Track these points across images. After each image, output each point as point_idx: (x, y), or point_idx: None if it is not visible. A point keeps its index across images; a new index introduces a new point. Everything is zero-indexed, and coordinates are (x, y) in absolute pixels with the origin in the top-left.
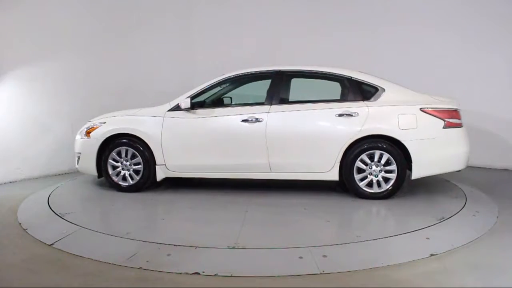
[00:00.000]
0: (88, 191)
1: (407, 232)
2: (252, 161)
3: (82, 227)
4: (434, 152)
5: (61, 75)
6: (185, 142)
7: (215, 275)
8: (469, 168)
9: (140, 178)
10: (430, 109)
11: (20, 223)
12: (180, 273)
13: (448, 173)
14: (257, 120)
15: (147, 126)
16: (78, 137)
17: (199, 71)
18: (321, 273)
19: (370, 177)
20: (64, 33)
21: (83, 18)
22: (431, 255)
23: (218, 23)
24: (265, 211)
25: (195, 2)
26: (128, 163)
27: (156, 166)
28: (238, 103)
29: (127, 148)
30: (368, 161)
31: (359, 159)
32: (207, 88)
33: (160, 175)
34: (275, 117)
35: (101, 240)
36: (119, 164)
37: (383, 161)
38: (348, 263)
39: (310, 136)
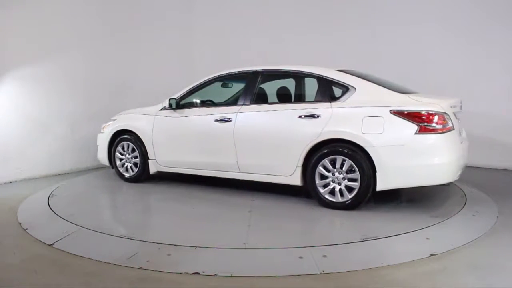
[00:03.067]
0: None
1: (407, 232)
2: (223, 160)
3: (82, 227)
4: (404, 161)
5: (61, 75)
6: (170, 139)
7: (215, 275)
8: (469, 168)
9: (138, 171)
10: (402, 112)
11: (20, 223)
12: (180, 273)
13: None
14: (227, 120)
15: (142, 124)
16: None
17: (200, 70)
18: (321, 273)
19: (332, 185)
20: (64, 33)
21: (84, 18)
22: (431, 255)
23: (218, 23)
24: (210, 206)
25: (195, 1)
26: (129, 156)
27: (149, 160)
28: (217, 103)
29: (128, 143)
30: (330, 167)
31: (320, 164)
32: (194, 89)
33: (152, 168)
34: (243, 117)
35: (101, 240)
36: (123, 156)
37: (345, 168)
38: (348, 263)
39: (272, 138)
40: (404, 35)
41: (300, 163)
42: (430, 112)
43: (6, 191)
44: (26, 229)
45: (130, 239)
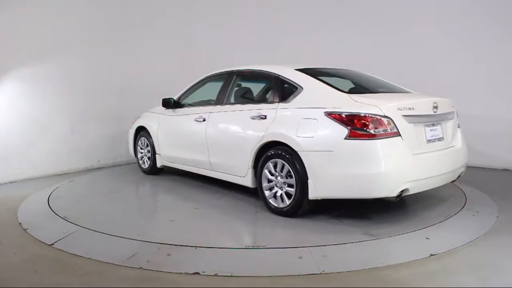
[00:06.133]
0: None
1: (407, 232)
2: (200, 158)
3: (82, 227)
4: (333, 169)
5: (61, 75)
6: (168, 136)
7: (215, 275)
8: (469, 168)
9: (150, 164)
10: (335, 114)
11: (20, 223)
12: (180, 273)
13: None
14: (202, 120)
15: (152, 121)
16: None
17: (200, 69)
18: (321, 273)
19: (275, 189)
20: (64, 33)
21: (83, 18)
22: (431, 255)
23: (218, 22)
24: (171, 199)
25: (195, 1)
26: (145, 150)
27: (156, 155)
28: (201, 103)
29: (144, 138)
30: (273, 170)
31: (265, 167)
32: (189, 89)
33: (158, 162)
34: (213, 117)
35: (101, 240)
36: (142, 151)
37: (284, 173)
38: (348, 263)
39: (231, 138)
40: (403, 36)
41: (251, 164)
42: (362, 115)
43: (6, 191)
44: (26, 229)
45: (130, 239)
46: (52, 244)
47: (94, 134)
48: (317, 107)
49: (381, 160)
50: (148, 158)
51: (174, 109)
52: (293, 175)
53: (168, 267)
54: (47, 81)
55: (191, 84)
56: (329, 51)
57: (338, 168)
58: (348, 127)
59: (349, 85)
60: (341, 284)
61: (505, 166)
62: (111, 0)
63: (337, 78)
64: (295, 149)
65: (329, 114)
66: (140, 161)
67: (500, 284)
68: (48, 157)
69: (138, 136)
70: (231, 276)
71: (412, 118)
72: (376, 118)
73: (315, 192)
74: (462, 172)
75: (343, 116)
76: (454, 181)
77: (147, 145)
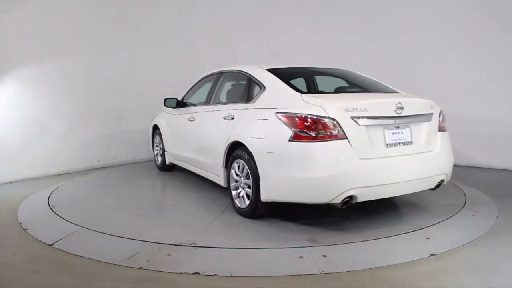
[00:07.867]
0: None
1: (407, 232)
2: (192, 156)
3: (82, 227)
4: (279, 171)
5: (61, 75)
6: (171, 135)
7: (215, 275)
8: (469, 168)
9: (161, 160)
10: (284, 115)
11: (20, 223)
12: (180, 273)
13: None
14: (193, 119)
15: (162, 120)
16: None
17: (200, 69)
18: (321, 273)
19: (239, 189)
20: (64, 34)
21: (83, 18)
22: (431, 255)
23: (218, 22)
24: (154, 196)
25: (195, 1)
26: (159, 147)
27: (165, 152)
28: (196, 103)
29: (158, 136)
30: (237, 171)
31: (232, 167)
32: (190, 89)
33: (167, 159)
34: (200, 117)
35: (101, 240)
36: (157, 148)
37: (244, 174)
38: (348, 263)
39: (209, 138)
40: (402, 37)
41: (223, 164)
42: (304, 116)
43: (6, 191)
44: (26, 229)
45: (130, 239)
46: (52, 244)
47: (94, 134)
48: (271, 108)
49: (319, 165)
50: (160, 155)
51: (177, 109)
52: (250, 176)
53: (168, 267)
54: (47, 81)
55: (192, 84)
56: (329, 52)
57: (283, 171)
58: (292, 129)
59: (333, 84)
60: (342, 284)
61: (505, 166)
62: (112, 1)
63: (322, 78)
64: (250, 149)
65: (280, 115)
66: (155, 158)
67: (500, 284)
68: (48, 157)
69: (154, 134)
70: (231, 276)
71: (364, 120)
72: (318, 119)
73: (266, 194)
74: (443, 180)
75: (288, 117)
76: (434, 189)
77: (159, 143)
